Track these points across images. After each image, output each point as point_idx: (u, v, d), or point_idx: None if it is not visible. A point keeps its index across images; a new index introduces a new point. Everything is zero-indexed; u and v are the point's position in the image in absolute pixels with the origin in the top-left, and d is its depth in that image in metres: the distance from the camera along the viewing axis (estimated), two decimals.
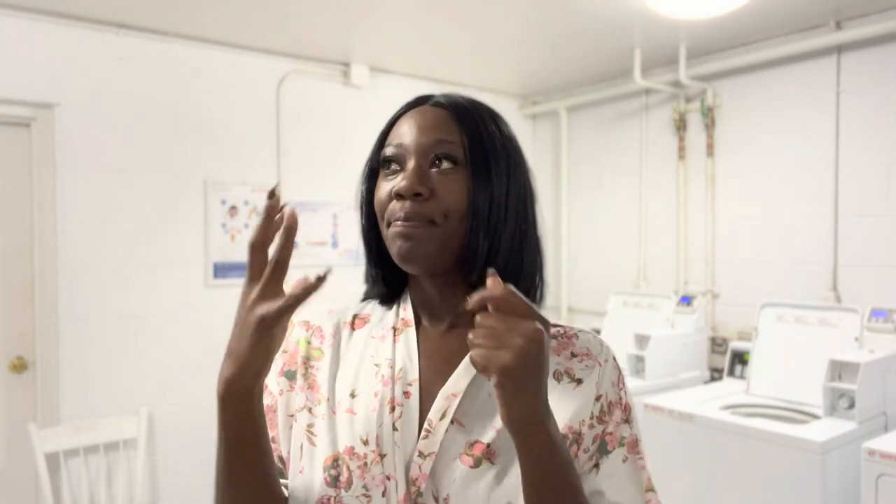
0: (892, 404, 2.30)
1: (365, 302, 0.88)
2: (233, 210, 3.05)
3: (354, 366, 0.80)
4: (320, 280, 0.60)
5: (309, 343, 0.83)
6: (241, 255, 3.07)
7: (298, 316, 0.86)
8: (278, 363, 0.82)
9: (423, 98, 0.81)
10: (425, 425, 0.73)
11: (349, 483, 0.72)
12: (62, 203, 2.65)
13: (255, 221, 3.11)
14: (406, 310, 0.83)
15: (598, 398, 0.77)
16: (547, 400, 0.64)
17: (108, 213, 2.74)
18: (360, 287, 0.88)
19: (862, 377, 2.19)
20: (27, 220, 2.63)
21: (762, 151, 3.07)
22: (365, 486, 0.71)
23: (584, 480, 0.74)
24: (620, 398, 0.79)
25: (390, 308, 0.84)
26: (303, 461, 0.76)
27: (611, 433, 0.76)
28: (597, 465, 0.75)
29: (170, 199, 2.89)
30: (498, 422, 0.73)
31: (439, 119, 0.77)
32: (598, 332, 3.18)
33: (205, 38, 2.93)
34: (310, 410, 0.78)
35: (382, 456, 0.72)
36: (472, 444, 0.73)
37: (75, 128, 2.67)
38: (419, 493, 0.71)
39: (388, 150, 0.77)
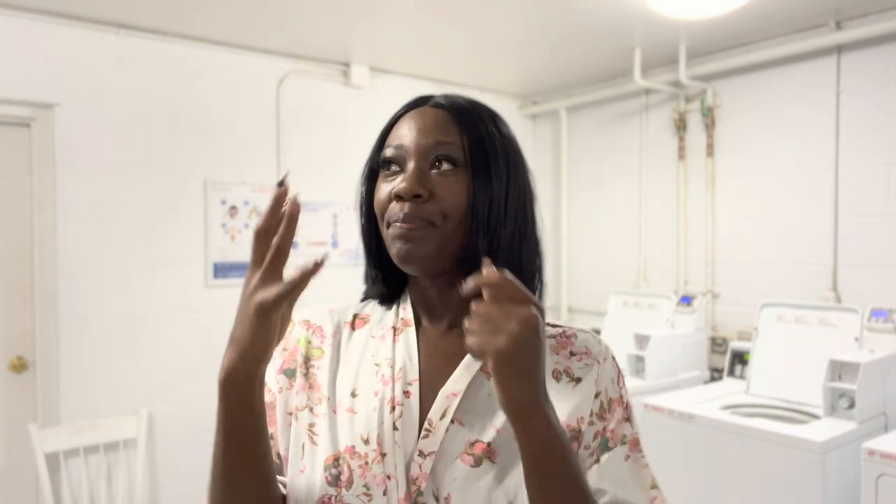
0: (892, 404, 2.30)
1: (365, 302, 0.88)
2: (233, 210, 3.05)
3: (355, 365, 0.81)
4: (317, 266, 0.60)
5: (309, 342, 0.83)
6: (241, 255, 3.07)
7: (299, 315, 0.86)
8: (277, 361, 0.82)
9: (422, 99, 0.81)
10: (425, 425, 0.73)
11: (350, 482, 0.72)
12: (62, 203, 2.65)
13: (255, 221, 3.11)
14: (406, 310, 0.83)
15: (597, 395, 0.77)
16: (545, 386, 0.65)
17: (108, 213, 2.74)
18: (360, 287, 0.88)
19: (862, 377, 2.19)
20: (27, 220, 2.63)
21: (762, 151, 3.07)
22: (366, 486, 0.72)
23: (586, 477, 0.74)
24: (621, 396, 0.79)
25: (390, 308, 0.85)
26: (304, 460, 0.76)
27: (612, 430, 0.76)
28: (598, 462, 0.75)
29: (170, 199, 2.89)
30: (498, 421, 0.73)
31: (439, 120, 0.77)
32: (597, 332, 3.19)
33: (205, 38, 2.93)
34: (311, 410, 0.78)
35: (383, 455, 0.72)
36: (472, 444, 0.73)
37: (75, 128, 2.67)
38: (419, 493, 0.71)
39: (388, 152, 0.78)
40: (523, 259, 0.78)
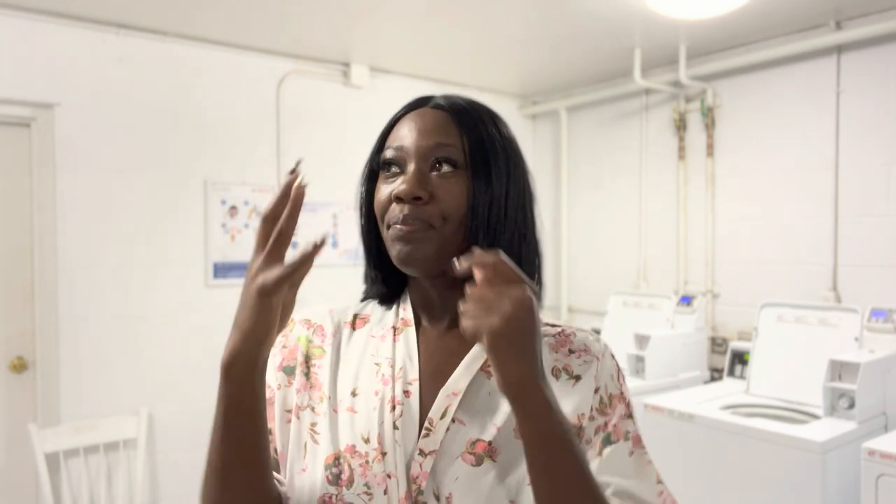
0: (892, 404, 2.30)
1: (365, 302, 0.88)
2: (233, 210, 3.05)
3: (355, 365, 0.81)
4: (317, 247, 0.61)
5: (310, 341, 0.84)
6: (242, 255, 3.07)
7: (300, 314, 0.86)
8: (277, 358, 0.82)
9: (422, 100, 0.81)
10: (426, 424, 0.74)
11: (350, 481, 0.72)
12: (62, 203, 2.65)
13: (255, 221, 3.12)
14: (406, 310, 0.83)
15: (596, 391, 0.77)
16: (542, 367, 0.65)
17: (107, 213, 2.74)
18: (360, 287, 0.88)
19: (862, 377, 2.19)
20: (27, 220, 2.63)
21: (762, 151, 3.07)
22: (366, 485, 0.72)
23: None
24: (622, 393, 0.79)
25: (390, 308, 0.85)
26: (306, 460, 0.76)
27: (615, 425, 0.76)
28: (600, 455, 0.75)
29: (170, 199, 2.89)
30: (499, 419, 0.74)
31: (439, 122, 0.77)
32: (597, 332, 3.19)
33: (205, 38, 2.93)
34: (312, 409, 0.78)
35: (383, 454, 0.73)
36: (473, 443, 0.73)
37: (75, 128, 2.67)
38: (420, 491, 0.71)
39: (389, 153, 0.78)
40: (523, 260, 0.79)
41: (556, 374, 0.78)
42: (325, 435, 0.76)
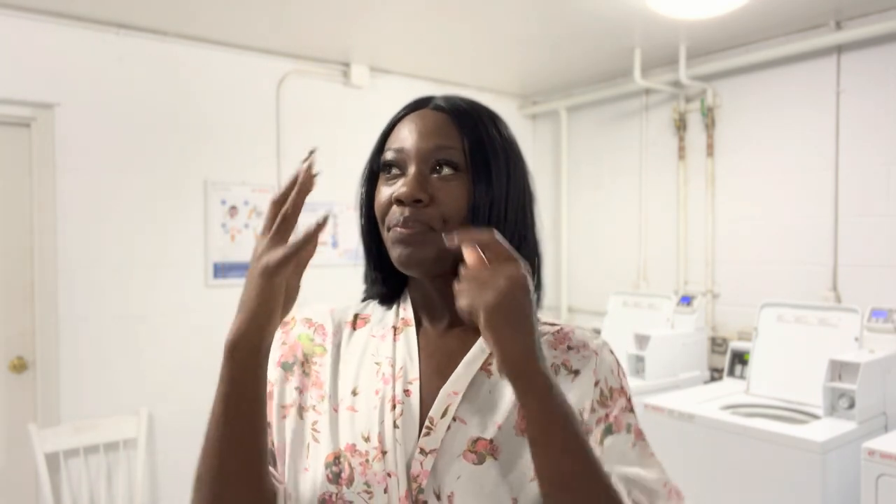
0: (892, 404, 2.31)
1: (365, 302, 0.89)
2: (233, 210, 3.05)
3: (355, 364, 0.81)
4: (320, 227, 0.62)
5: (311, 339, 0.84)
6: (241, 255, 3.07)
7: (300, 313, 0.86)
8: (276, 353, 0.82)
9: (423, 101, 0.81)
10: (426, 423, 0.74)
11: (351, 480, 0.72)
12: (62, 203, 2.65)
13: (255, 222, 3.12)
14: (406, 310, 0.83)
15: (596, 384, 0.78)
16: (540, 344, 0.65)
17: (107, 213, 2.74)
18: (360, 287, 0.89)
19: (862, 377, 2.19)
20: (27, 220, 2.63)
21: (762, 151, 3.07)
22: (366, 483, 0.72)
23: None
24: (622, 387, 0.80)
25: (390, 308, 0.85)
26: (308, 459, 0.76)
27: (616, 417, 0.77)
28: (601, 444, 0.75)
29: (169, 199, 2.89)
30: (500, 417, 0.74)
31: (440, 123, 0.77)
32: (597, 332, 3.18)
33: (205, 38, 2.93)
34: (314, 408, 0.79)
35: (384, 453, 0.73)
36: (474, 441, 0.73)
37: (75, 128, 2.67)
38: (420, 490, 0.71)
39: (389, 155, 0.78)
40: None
41: (555, 370, 0.78)
42: (326, 434, 0.76)
